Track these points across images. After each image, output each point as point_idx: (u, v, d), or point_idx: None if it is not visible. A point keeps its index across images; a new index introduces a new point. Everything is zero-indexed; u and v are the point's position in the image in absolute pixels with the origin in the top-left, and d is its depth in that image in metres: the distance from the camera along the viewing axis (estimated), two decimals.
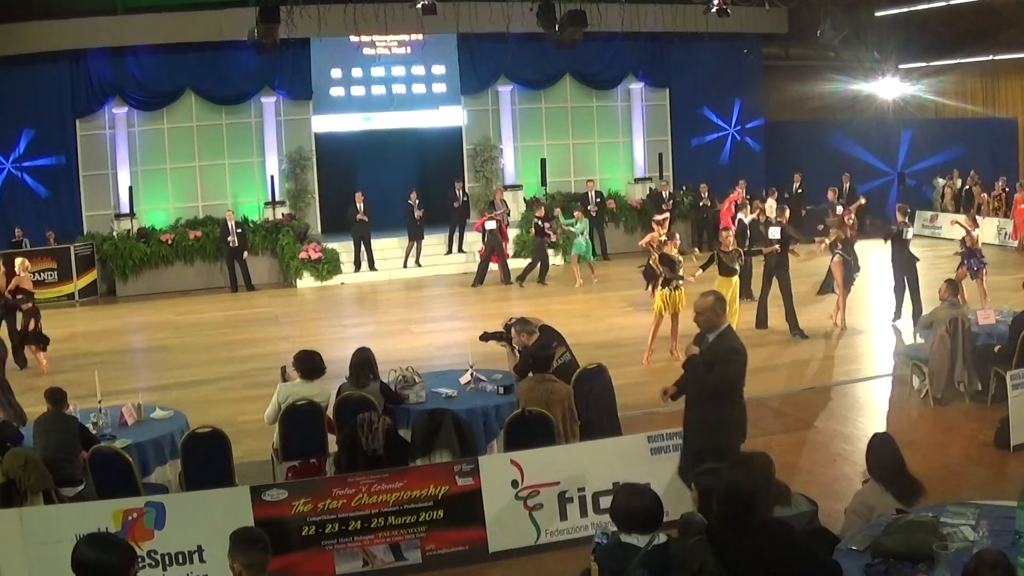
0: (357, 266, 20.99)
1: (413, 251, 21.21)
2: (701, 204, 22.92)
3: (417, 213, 20.66)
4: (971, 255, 14.50)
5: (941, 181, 24.22)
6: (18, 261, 14.34)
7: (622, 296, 17.36)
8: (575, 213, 19.85)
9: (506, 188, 22.81)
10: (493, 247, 19.69)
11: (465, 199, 21.76)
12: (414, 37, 21.76)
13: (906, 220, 14.18)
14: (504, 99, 23.53)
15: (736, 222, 17.80)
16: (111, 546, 3.81)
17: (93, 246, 20.40)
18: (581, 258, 19.42)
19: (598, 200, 22.46)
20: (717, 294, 6.88)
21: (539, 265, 19.37)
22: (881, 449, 5.78)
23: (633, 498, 4.58)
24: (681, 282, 12.53)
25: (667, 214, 19.58)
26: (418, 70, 22.85)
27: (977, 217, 16.18)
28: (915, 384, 10.56)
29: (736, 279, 13.20)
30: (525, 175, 23.59)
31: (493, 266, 19.85)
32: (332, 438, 8.12)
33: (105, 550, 3.72)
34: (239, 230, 20.41)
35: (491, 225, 19.63)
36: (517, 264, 20.62)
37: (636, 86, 24.40)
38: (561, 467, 7.34)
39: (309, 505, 6.89)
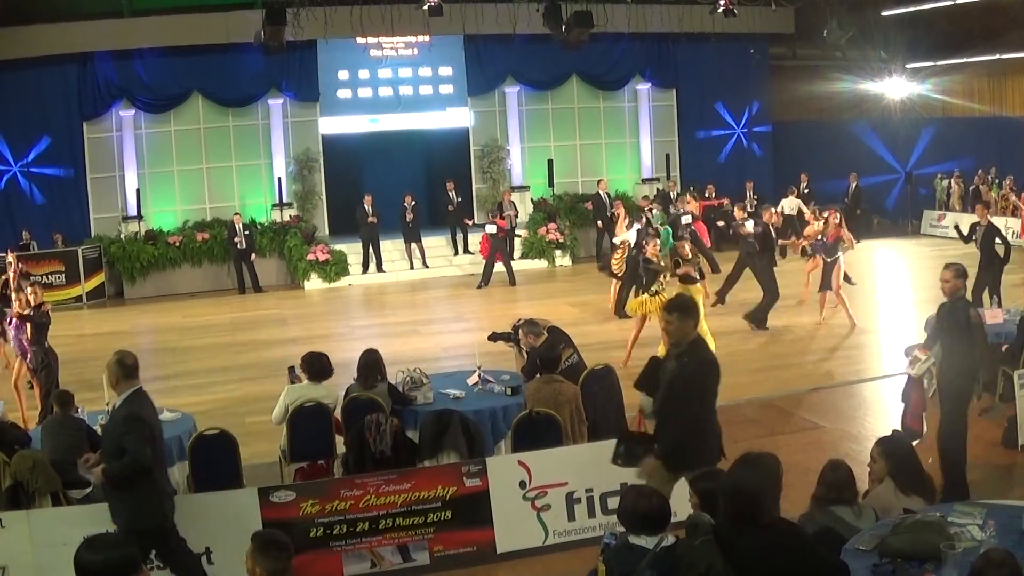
0: (365, 268, 21.00)
1: (417, 253, 21.22)
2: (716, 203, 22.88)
3: (409, 216, 20.65)
4: (820, 245, 14.83)
5: (945, 181, 24.17)
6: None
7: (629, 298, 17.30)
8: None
9: (513, 189, 22.81)
10: (496, 249, 19.67)
11: (459, 201, 21.74)
12: (421, 39, 21.78)
13: (745, 215, 15.68)
14: (511, 100, 23.54)
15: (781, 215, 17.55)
16: (116, 545, 3.79)
17: (101, 248, 20.47)
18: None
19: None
20: (120, 354, 5.95)
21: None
22: (896, 449, 5.77)
23: (641, 499, 4.60)
24: (660, 289, 12.10)
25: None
26: (425, 71, 22.89)
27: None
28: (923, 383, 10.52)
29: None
30: (532, 176, 23.58)
31: (500, 268, 19.86)
32: (340, 439, 8.11)
33: (110, 548, 3.72)
34: (247, 232, 20.46)
35: (491, 229, 19.62)
36: (520, 265, 20.67)
37: (643, 86, 24.40)
38: (569, 468, 7.34)
39: (317, 506, 6.90)
